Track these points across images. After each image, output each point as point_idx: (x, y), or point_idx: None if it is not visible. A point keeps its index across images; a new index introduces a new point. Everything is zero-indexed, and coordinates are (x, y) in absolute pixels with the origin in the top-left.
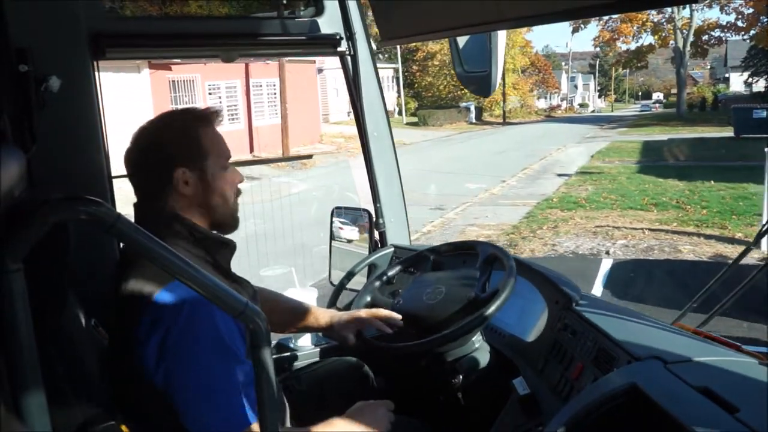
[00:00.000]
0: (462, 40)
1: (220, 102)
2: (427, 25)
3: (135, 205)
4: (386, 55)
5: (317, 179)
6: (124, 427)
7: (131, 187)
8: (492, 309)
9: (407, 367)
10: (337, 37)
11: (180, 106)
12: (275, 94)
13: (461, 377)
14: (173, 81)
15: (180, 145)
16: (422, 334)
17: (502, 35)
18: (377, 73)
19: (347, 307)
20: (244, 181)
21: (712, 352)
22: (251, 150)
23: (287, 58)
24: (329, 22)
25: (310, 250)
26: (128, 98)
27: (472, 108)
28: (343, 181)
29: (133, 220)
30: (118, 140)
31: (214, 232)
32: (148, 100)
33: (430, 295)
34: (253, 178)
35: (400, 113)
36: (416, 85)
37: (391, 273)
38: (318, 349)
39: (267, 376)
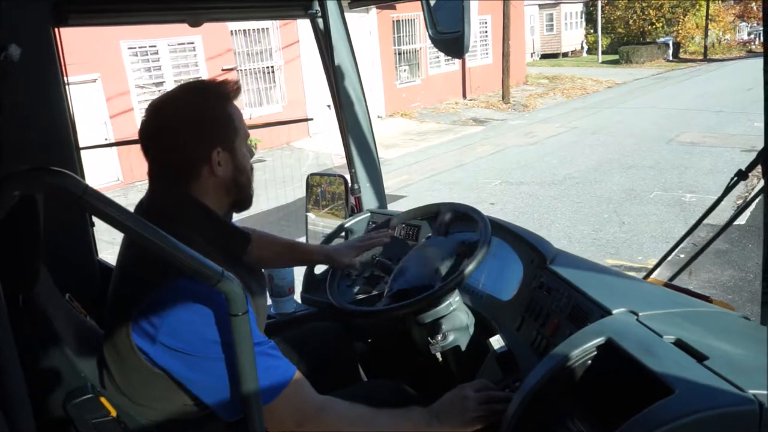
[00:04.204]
0: (434, 1)
1: None
2: None
3: (149, 181)
4: None
5: (552, 120)
6: (103, 400)
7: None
8: (467, 270)
9: (386, 330)
10: None
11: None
12: (486, 32)
13: (439, 338)
14: (396, 21)
15: (217, 123)
16: (401, 297)
17: None
18: (349, 36)
19: (325, 274)
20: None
21: (682, 304)
22: (464, 94)
23: None
24: None
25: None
26: (356, 41)
27: (670, 44)
28: (588, 123)
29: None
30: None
31: (230, 218)
32: (375, 42)
33: (413, 264)
34: (480, 121)
35: (589, 52)
36: (603, 20)
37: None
38: (297, 315)
39: (246, 343)
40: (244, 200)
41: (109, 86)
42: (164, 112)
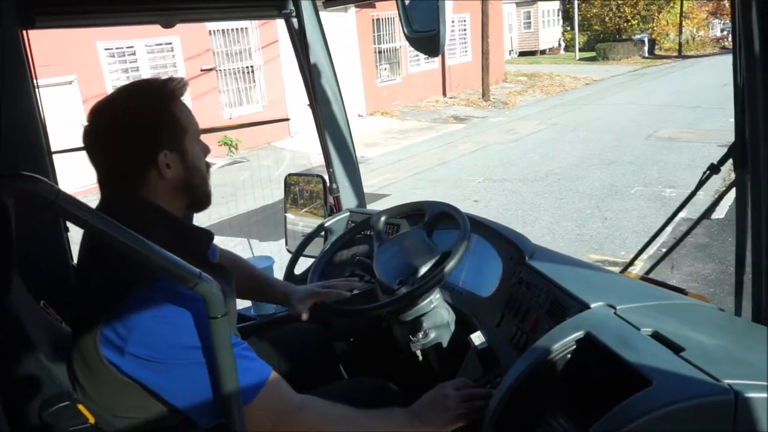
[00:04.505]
0: (409, 0)
1: None
2: None
3: (100, 189)
4: None
5: (533, 118)
6: (81, 407)
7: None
8: (448, 267)
9: (367, 330)
10: None
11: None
12: (465, 30)
13: (420, 336)
14: (376, 19)
15: (162, 125)
16: (381, 296)
17: None
18: (324, 35)
19: (305, 274)
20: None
21: (659, 297)
22: (444, 92)
23: None
24: None
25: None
26: (336, 40)
27: (646, 41)
28: (568, 120)
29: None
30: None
31: (190, 218)
32: (354, 41)
33: (392, 260)
34: (461, 119)
35: (566, 49)
36: (580, 17)
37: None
38: (278, 317)
39: (225, 345)
40: (200, 200)
41: (85, 88)
42: (104, 116)
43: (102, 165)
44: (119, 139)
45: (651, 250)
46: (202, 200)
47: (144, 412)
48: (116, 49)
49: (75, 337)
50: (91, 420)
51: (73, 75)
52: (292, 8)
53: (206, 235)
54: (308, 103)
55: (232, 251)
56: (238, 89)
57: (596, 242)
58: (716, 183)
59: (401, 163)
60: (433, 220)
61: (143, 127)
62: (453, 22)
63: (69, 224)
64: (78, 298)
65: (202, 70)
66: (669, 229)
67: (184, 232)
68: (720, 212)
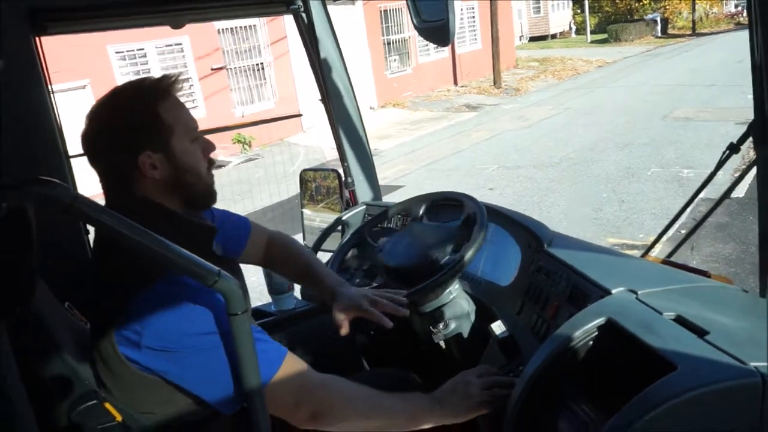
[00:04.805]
0: None
1: None
2: None
3: (103, 192)
4: None
5: (545, 103)
6: (108, 405)
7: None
8: (467, 255)
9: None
10: None
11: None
12: (473, 18)
13: (441, 326)
14: (384, 10)
15: (141, 127)
16: (402, 287)
17: None
18: (333, 29)
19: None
20: (217, 149)
21: (681, 280)
22: (455, 81)
23: None
24: None
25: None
26: (344, 33)
27: (659, 20)
28: (581, 103)
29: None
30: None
31: (192, 214)
32: (362, 33)
33: (407, 249)
34: (473, 107)
35: (578, 32)
36: None
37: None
38: (298, 312)
39: (246, 341)
40: (198, 198)
41: (99, 92)
42: (93, 121)
43: (97, 169)
44: (104, 143)
45: (670, 232)
46: (200, 197)
47: (167, 407)
48: (127, 51)
49: (93, 338)
50: (119, 418)
51: (87, 79)
52: (300, 3)
53: (209, 230)
54: (320, 98)
55: (286, 234)
56: (249, 87)
57: (614, 226)
58: (735, 161)
59: (414, 153)
60: (448, 210)
61: (123, 129)
62: (461, 10)
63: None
64: (93, 298)
65: (212, 69)
66: (687, 210)
67: (185, 228)
68: (740, 191)
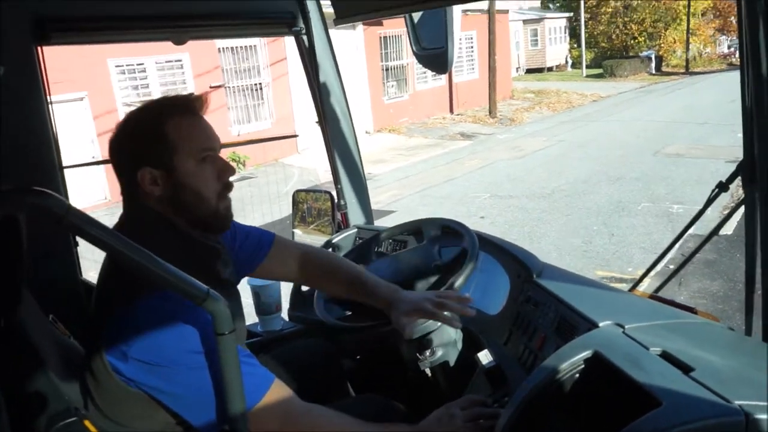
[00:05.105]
0: (417, 17)
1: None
2: (382, 1)
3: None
4: (556, 5)
5: (540, 134)
6: (87, 423)
7: None
8: (457, 283)
9: (374, 347)
10: (291, 15)
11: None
12: (472, 47)
13: (428, 354)
14: (383, 37)
15: (141, 143)
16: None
17: (457, 11)
18: (333, 52)
19: (312, 291)
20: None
21: (668, 316)
22: (451, 109)
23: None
24: (283, 2)
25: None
26: (344, 57)
27: (653, 57)
28: (575, 136)
29: None
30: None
31: (199, 233)
32: (362, 58)
33: (396, 275)
34: (468, 136)
35: (574, 66)
36: (587, 35)
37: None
38: (285, 333)
39: (232, 362)
40: (201, 220)
41: (96, 104)
42: (115, 128)
43: (116, 175)
44: (115, 152)
45: (658, 267)
46: (204, 220)
47: (149, 422)
48: (127, 66)
49: (85, 347)
50: None
51: (85, 91)
52: (302, 26)
53: (212, 251)
54: (317, 120)
55: (322, 249)
56: (247, 106)
57: (603, 259)
58: (724, 199)
59: (408, 179)
60: (440, 237)
61: (128, 142)
62: (460, 39)
63: (79, 239)
64: (92, 307)
65: (211, 87)
66: (676, 245)
67: (189, 244)
68: (728, 228)
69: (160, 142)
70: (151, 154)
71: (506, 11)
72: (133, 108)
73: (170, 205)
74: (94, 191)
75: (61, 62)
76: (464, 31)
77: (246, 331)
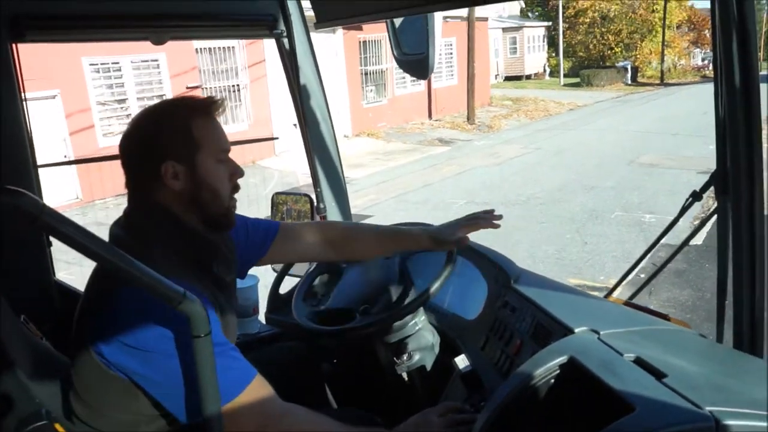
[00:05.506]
0: (398, 22)
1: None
2: (363, 6)
3: (127, 194)
4: (535, 14)
5: (517, 142)
6: (58, 426)
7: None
8: (434, 288)
9: (352, 351)
10: (272, 18)
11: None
12: (451, 54)
13: (405, 358)
14: (363, 41)
15: (170, 138)
16: (365, 317)
17: (438, 17)
18: (314, 55)
19: (290, 294)
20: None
21: (642, 322)
22: (429, 114)
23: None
24: (264, 3)
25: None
26: (323, 61)
27: (629, 68)
28: (551, 144)
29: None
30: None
31: (204, 229)
32: (341, 62)
33: (373, 279)
34: (446, 142)
35: (551, 74)
36: (565, 44)
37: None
38: (262, 336)
39: (208, 364)
40: (213, 218)
41: (69, 103)
42: (132, 125)
43: (126, 171)
44: (136, 146)
45: (630, 275)
46: (216, 218)
47: (129, 409)
48: (101, 64)
49: (60, 343)
50: None
51: (57, 89)
52: (284, 28)
53: (213, 250)
54: (296, 122)
55: (354, 221)
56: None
57: (576, 266)
58: (695, 209)
59: (385, 184)
60: None
61: (154, 135)
62: (440, 45)
63: (52, 238)
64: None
65: (187, 88)
66: (648, 255)
67: (193, 242)
68: (698, 238)
69: (187, 139)
70: (178, 148)
71: (486, 19)
72: (123, 107)
73: (186, 201)
74: (65, 191)
75: (34, 59)
76: (444, 37)
77: (236, 327)
